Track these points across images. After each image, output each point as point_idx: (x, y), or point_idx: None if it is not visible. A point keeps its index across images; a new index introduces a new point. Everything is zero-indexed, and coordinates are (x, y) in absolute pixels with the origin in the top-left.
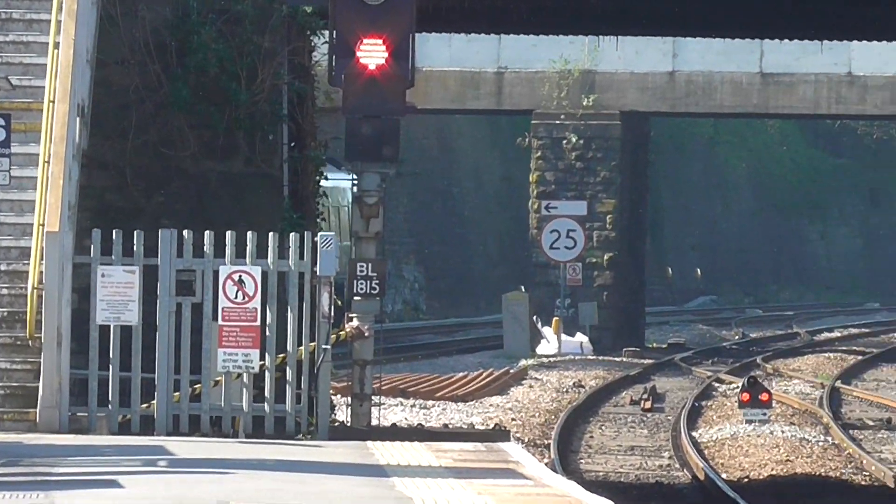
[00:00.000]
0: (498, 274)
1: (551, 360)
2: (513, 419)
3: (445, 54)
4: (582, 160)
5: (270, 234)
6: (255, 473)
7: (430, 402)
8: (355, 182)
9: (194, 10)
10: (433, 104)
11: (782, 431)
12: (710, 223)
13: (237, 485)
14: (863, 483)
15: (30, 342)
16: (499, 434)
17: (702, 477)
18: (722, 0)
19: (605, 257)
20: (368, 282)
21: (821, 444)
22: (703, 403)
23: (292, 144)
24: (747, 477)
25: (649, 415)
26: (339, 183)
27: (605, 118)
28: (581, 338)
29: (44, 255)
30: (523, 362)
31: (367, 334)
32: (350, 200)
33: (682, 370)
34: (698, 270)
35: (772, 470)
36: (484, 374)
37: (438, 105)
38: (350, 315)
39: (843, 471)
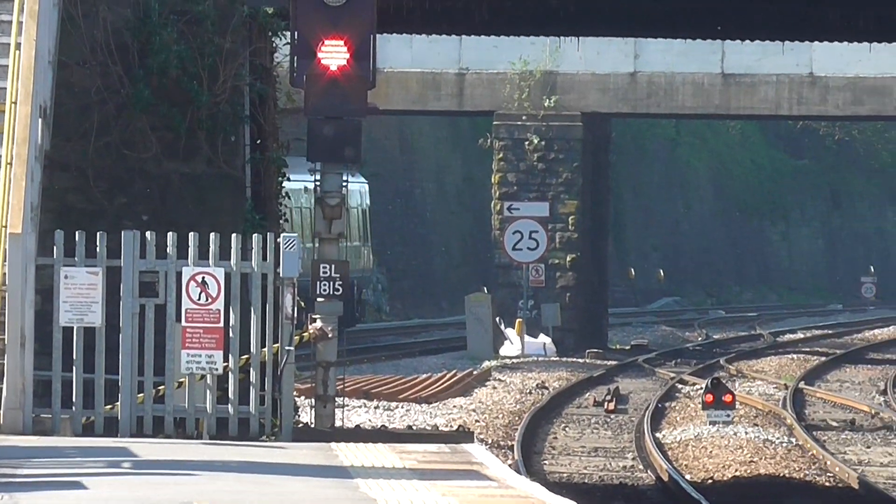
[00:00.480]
0: (460, 275)
1: (514, 361)
2: (476, 420)
3: (407, 55)
4: (544, 161)
5: (233, 235)
6: (218, 475)
7: (393, 404)
8: (317, 183)
9: (155, 10)
10: (395, 105)
11: (746, 432)
12: (672, 224)
13: (201, 486)
14: (827, 484)
15: None
16: (462, 435)
17: (665, 478)
18: (683, 1)
19: (568, 258)
20: (332, 283)
21: (784, 445)
22: (667, 405)
23: (258, 143)
24: (711, 478)
25: (613, 416)
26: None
27: (567, 119)
28: (544, 339)
29: (6, 256)
30: (486, 364)
31: (330, 335)
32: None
33: (645, 371)
34: (661, 271)
35: (735, 471)
36: (447, 376)
37: (400, 106)
38: (313, 316)
39: (807, 472)
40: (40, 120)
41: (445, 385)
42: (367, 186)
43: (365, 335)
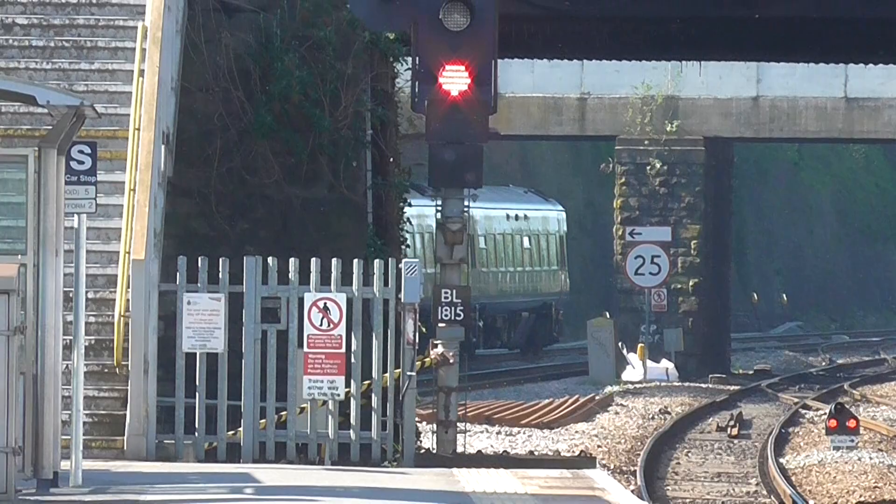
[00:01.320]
0: (581, 300)
1: (637, 386)
2: (598, 446)
3: (528, 80)
4: (666, 186)
5: (355, 260)
6: (340, 501)
7: (515, 429)
8: (439, 208)
9: (277, 36)
10: (516, 130)
11: (870, 458)
12: (795, 248)
13: None
14: None
15: (117, 370)
16: (584, 461)
17: (789, 503)
18: (806, 25)
19: (690, 283)
20: (453, 308)
21: None
22: (790, 430)
23: (379, 168)
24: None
25: (736, 441)
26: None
27: (689, 144)
28: (666, 364)
29: (130, 282)
30: (609, 389)
31: (451, 361)
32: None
33: (768, 396)
34: (784, 296)
35: (860, 496)
36: (569, 401)
37: (521, 131)
38: (434, 342)
39: None
40: (163, 146)
41: (567, 410)
42: (564, 214)
43: (486, 360)
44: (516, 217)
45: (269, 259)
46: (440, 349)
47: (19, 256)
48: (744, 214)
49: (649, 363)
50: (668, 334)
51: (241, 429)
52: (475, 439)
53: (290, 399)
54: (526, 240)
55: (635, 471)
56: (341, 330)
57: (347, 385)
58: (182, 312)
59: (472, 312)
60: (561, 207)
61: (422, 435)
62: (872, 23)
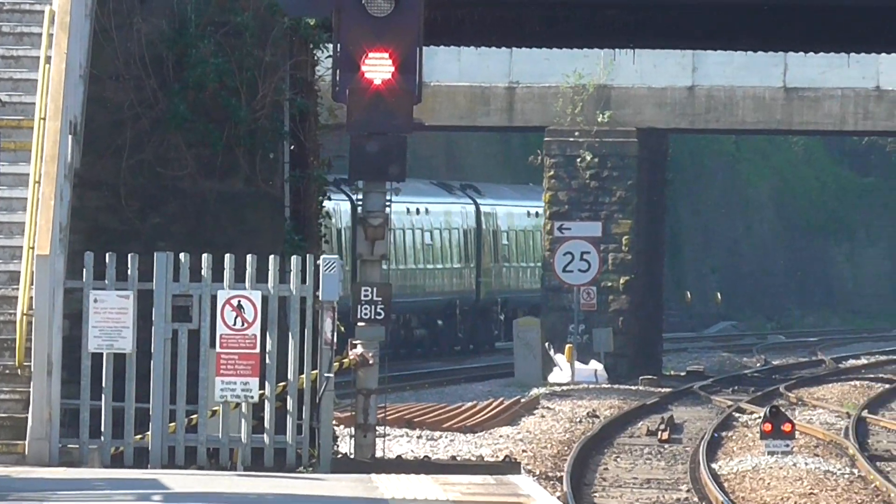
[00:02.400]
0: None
1: (564, 388)
2: (524, 450)
3: (454, 68)
4: (597, 179)
5: (271, 256)
6: None
7: (437, 433)
8: (359, 202)
9: (192, 22)
10: (441, 120)
11: (806, 463)
12: (731, 245)
13: None
14: None
15: (18, 371)
16: (509, 466)
17: None
18: (744, 12)
19: (621, 281)
20: (373, 307)
21: (846, 476)
22: (723, 434)
23: (298, 160)
24: None
25: (667, 446)
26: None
27: (622, 135)
28: (595, 365)
29: (34, 279)
30: (535, 391)
31: (371, 362)
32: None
33: (701, 399)
34: (718, 294)
35: (795, 503)
36: (494, 404)
37: (447, 121)
38: (353, 342)
39: None
40: (70, 136)
41: (492, 413)
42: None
43: (408, 361)
44: (536, 214)
45: (181, 255)
46: (359, 349)
47: None
48: (678, 209)
49: (577, 364)
50: (598, 334)
51: (149, 433)
52: (395, 444)
53: (201, 401)
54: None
55: (562, 477)
56: (256, 329)
57: (262, 387)
58: (88, 311)
59: (495, 306)
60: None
61: (339, 439)
62: (812, 10)
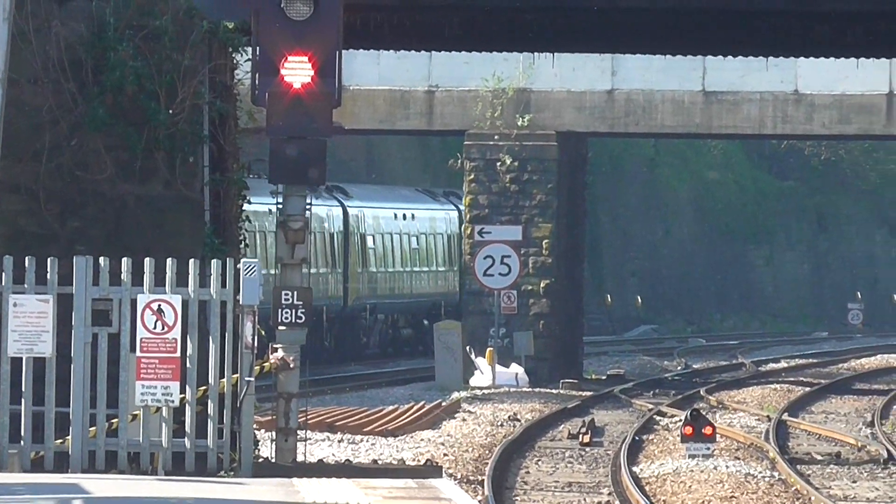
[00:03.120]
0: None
1: (485, 392)
2: (445, 454)
3: (374, 72)
4: (517, 183)
5: (191, 260)
6: None
7: (358, 437)
8: (279, 205)
9: (111, 25)
10: (361, 124)
11: (727, 466)
12: (651, 248)
13: None
14: None
15: None
16: (430, 470)
17: None
18: (663, 16)
19: (542, 284)
20: (294, 311)
21: (767, 479)
22: (644, 437)
23: (217, 164)
24: None
25: (588, 449)
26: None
27: (541, 139)
28: (516, 369)
29: None
30: (456, 395)
31: (292, 365)
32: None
33: (621, 402)
34: (638, 298)
35: None
36: (415, 408)
37: (367, 125)
38: (274, 346)
39: None
40: None
41: (413, 417)
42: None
43: (329, 365)
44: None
45: (101, 259)
46: (280, 353)
47: None
48: (598, 213)
49: (498, 368)
50: (519, 338)
51: (69, 437)
52: (316, 448)
53: (121, 406)
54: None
55: (483, 480)
56: (176, 333)
57: (182, 391)
58: (7, 315)
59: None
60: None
61: (260, 443)
62: (730, 14)
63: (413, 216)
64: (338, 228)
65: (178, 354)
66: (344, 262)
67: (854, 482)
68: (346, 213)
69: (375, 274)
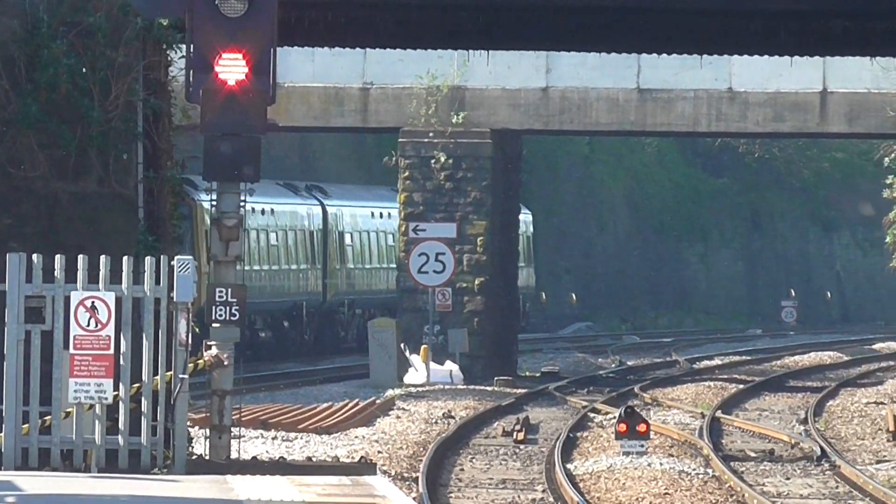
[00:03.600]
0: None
1: (420, 389)
2: (379, 451)
3: (308, 69)
4: (451, 180)
5: (125, 258)
6: None
7: (292, 434)
8: (213, 203)
9: (44, 22)
10: (295, 121)
11: (661, 463)
12: (586, 246)
13: None
14: None
15: None
16: (364, 467)
17: None
18: (598, 14)
19: (476, 282)
20: (228, 308)
21: (701, 476)
22: (579, 434)
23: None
24: None
25: (522, 446)
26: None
27: (476, 136)
28: (451, 366)
29: None
30: (390, 392)
31: (226, 363)
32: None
33: (556, 400)
34: (573, 295)
35: (650, 503)
36: (349, 405)
37: (301, 122)
38: (208, 343)
39: None
40: None
41: (347, 414)
42: (531, 217)
43: (263, 363)
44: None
45: (34, 256)
46: (214, 350)
47: None
48: (533, 210)
49: (433, 365)
50: (453, 335)
51: (2, 434)
52: (250, 445)
53: (55, 403)
54: None
55: (417, 477)
56: (110, 330)
57: (116, 388)
58: None
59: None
60: (528, 211)
61: (194, 440)
62: (664, 12)
63: (389, 214)
64: (317, 226)
65: (111, 352)
66: (323, 258)
67: (787, 479)
68: (325, 212)
69: (353, 270)
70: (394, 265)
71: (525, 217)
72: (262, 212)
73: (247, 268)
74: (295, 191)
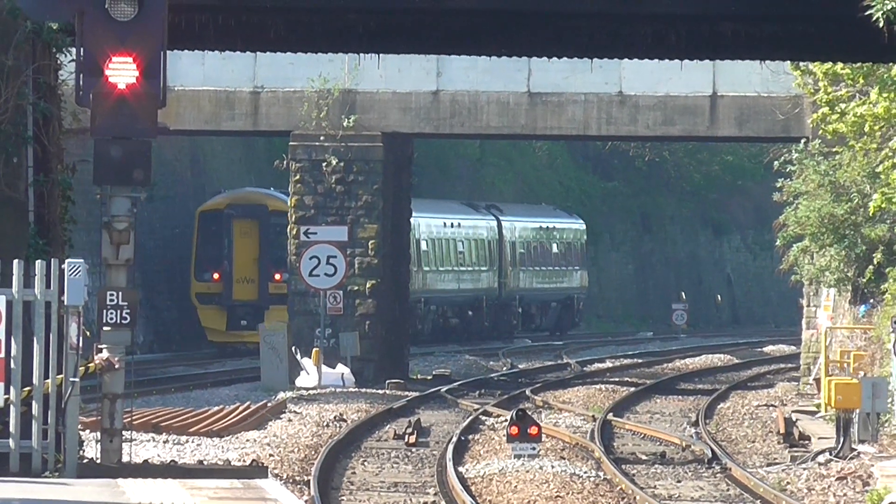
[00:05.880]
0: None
1: (311, 392)
2: (271, 455)
3: (199, 73)
4: (342, 183)
5: (15, 261)
6: None
7: (183, 438)
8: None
9: None
10: (186, 125)
11: (552, 466)
12: None
13: None
14: None
15: None
16: (256, 470)
17: None
18: (487, 17)
19: (368, 285)
20: (119, 311)
21: (592, 479)
22: (470, 437)
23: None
24: None
25: (414, 449)
26: None
27: (367, 140)
28: (342, 369)
29: None
30: (282, 395)
31: (117, 366)
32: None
33: (447, 403)
34: None
35: None
36: (240, 408)
37: (191, 126)
38: (99, 346)
39: None
40: None
41: (238, 418)
42: (584, 226)
43: (154, 366)
44: (548, 228)
45: None
46: (105, 354)
47: None
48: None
49: (324, 368)
50: (345, 338)
51: None
52: (141, 448)
53: None
54: (555, 245)
55: (309, 480)
56: (0, 334)
57: (6, 391)
58: None
59: (513, 301)
60: (581, 221)
61: (85, 444)
62: (554, 16)
63: (554, 227)
64: (493, 237)
65: (2, 355)
66: (499, 262)
67: (679, 482)
68: (500, 225)
69: (520, 272)
70: (552, 267)
71: (579, 226)
72: (451, 225)
73: (441, 268)
74: (475, 208)
